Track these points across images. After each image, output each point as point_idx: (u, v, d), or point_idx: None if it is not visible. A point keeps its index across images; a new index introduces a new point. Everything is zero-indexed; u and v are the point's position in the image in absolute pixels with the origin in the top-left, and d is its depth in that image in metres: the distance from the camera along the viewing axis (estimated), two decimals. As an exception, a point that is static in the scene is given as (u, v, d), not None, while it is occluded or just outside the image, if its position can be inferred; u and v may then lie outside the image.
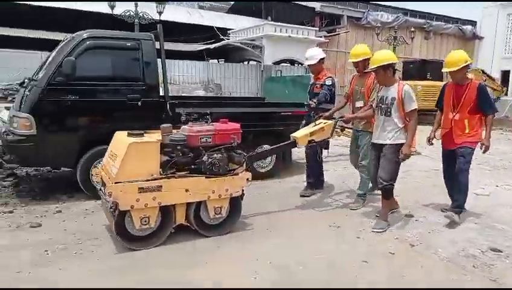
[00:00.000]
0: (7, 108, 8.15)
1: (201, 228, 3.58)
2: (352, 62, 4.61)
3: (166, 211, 3.41)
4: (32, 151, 4.32)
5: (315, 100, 4.84)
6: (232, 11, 27.64)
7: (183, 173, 3.48)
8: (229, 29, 24.05)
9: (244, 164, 3.73)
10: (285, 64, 21.57)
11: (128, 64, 4.82)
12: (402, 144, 3.79)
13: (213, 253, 3.30)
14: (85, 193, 4.58)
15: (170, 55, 5.20)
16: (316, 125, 4.38)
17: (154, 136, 3.49)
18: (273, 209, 4.48)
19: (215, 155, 3.55)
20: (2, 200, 4.46)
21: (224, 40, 21.69)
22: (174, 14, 20.86)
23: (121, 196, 3.14)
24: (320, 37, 23.76)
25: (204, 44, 22.01)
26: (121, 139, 3.47)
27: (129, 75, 4.82)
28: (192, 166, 3.55)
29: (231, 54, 23.54)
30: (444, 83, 5.09)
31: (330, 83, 4.89)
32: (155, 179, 3.28)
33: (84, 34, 4.64)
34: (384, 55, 3.86)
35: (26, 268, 2.93)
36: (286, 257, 3.23)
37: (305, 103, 5.10)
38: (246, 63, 23.47)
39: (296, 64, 21.36)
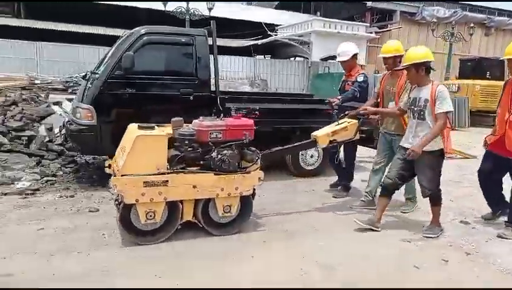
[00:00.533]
0: (69, 99, 8.73)
1: (209, 225, 3.47)
2: (383, 58, 4.38)
3: (173, 207, 3.33)
4: (92, 140, 4.59)
5: (339, 97, 4.69)
6: (280, 6, 27.56)
7: (191, 168, 3.37)
8: (277, 25, 24.01)
9: (258, 162, 3.56)
10: (333, 60, 21.17)
11: (182, 60, 4.98)
12: (441, 150, 3.57)
13: (259, 248, 3.34)
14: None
15: (218, 51, 5.28)
16: (339, 124, 4.18)
17: (165, 130, 3.43)
18: (319, 207, 4.44)
19: (225, 151, 3.40)
20: (64, 185, 4.78)
21: (271, 36, 21.68)
22: (223, 9, 21.17)
23: (126, 189, 3.10)
24: (371, 33, 23.08)
25: (251, 40, 22.14)
26: (131, 132, 3.40)
27: (183, 70, 4.98)
28: (201, 162, 3.42)
29: (278, 50, 23.51)
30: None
31: (362, 80, 4.67)
32: (161, 174, 3.20)
33: (142, 29, 4.84)
34: (419, 53, 3.56)
35: (86, 250, 3.13)
36: (333, 258, 3.19)
37: (326, 101, 4.80)
38: (292, 59, 23.33)
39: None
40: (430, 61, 3.56)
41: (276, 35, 22.28)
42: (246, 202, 3.58)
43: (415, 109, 3.61)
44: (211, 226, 3.48)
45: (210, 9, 17.44)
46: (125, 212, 3.20)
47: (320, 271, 2.97)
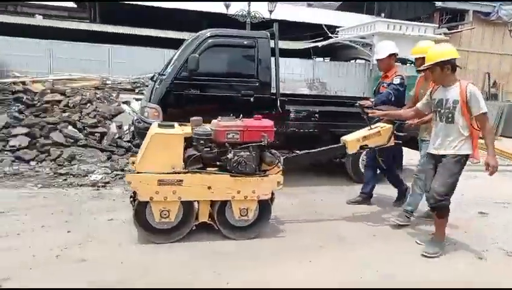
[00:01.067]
0: (137, 99, 9.28)
1: (225, 228, 3.39)
2: (415, 59, 4.10)
3: (188, 207, 3.31)
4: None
5: (373, 100, 4.41)
6: (342, 7, 27.03)
7: (206, 169, 3.33)
8: (338, 27, 23.55)
9: (279, 166, 3.44)
10: (397, 63, 20.29)
11: (244, 62, 5.09)
12: (467, 155, 3.27)
13: (317, 252, 3.29)
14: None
15: (280, 53, 5.30)
16: (371, 128, 3.94)
17: (184, 129, 3.43)
18: (375, 212, 4.29)
19: (242, 153, 3.30)
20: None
21: (332, 37, 21.33)
22: (284, 12, 21.20)
23: (140, 186, 3.11)
24: (440, 34, 21.81)
25: (312, 42, 21.95)
26: (150, 130, 3.38)
27: (244, 71, 5.08)
28: (218, 163, 3.35)
29: (338, 52, 23.04)
30: None
31: (398, 82, 4.35)
32: (176, 173, 3.17)
33: (208, 32, 5.01)
34: (442, 50, 3.28)
35: (149, 241, 3.30)
36: (392, 267, 3.06)
37: (356, 104, 4.35)
38: (353, 61, 22.76)
39: (408, 64, 19.99)
40: (455, 59, 3.27)
41: (336, 37, 21.89)
42: (264, 206, 3.46)
43: (442, 111, 3.30)
44: (227, 228, 3.40)
45: (271, 11, 17.60)
46: (140, 209, 3.22)
47: (379, 279, 2.86)
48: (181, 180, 3.17)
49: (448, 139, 3.27)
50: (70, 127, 6.32)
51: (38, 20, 20.69)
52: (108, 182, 4.88)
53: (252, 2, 16.74)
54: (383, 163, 4.35)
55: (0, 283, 2.55)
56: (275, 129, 3.50)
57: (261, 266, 2.99)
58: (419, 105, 3.60)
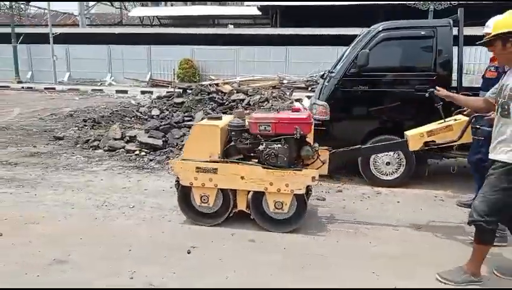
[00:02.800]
0: (308, 97, 9.70)
1: (260, 219, 3.48)
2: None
3: (227, 194, 3.48)
4: (324, 134, 4.93)
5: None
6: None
7: (239, 159, 3.47)
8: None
9: (318, 160, 3.41)
10: None
11: (419, 54, 4.71)
12: None
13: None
14: (364, 178, 4.86)
15: (466, 42, 4.65)
16: (445, 121, 3.38)
17: (227, 121, 3.56)
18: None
19: (274, 145, 3.31)
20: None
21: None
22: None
23: (181, 172, 3.44)
24: None
25: None
26: (195, 122, 3.58)
27: (419, 65, 4.71)
28: (252, 154, 3.46)
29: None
30: None
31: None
32: (212, 162, 3.39)
33: (380, 26, 4.83)
34: (505, 19, 2.50)
35: (312, 234, 3.44)
36: None
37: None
38: None
39: None
40: None
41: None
42: (300, 201, 3.40)
43: (500, 101, 2.54)
44: (263, 220, 3.48)
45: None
46: (183, 193, 3.56)
47: None
48: (216, 169, 3.38)
49: (501, 137, 2.50)
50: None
51: (230, 29, 23.79)
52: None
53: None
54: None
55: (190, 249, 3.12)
56: (311, 121, 3.42)
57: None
58: (489, 93, 2.89)
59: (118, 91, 18.42)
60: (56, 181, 4.88)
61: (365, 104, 4.82)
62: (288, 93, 10.65)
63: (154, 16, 31.63)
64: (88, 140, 6.95)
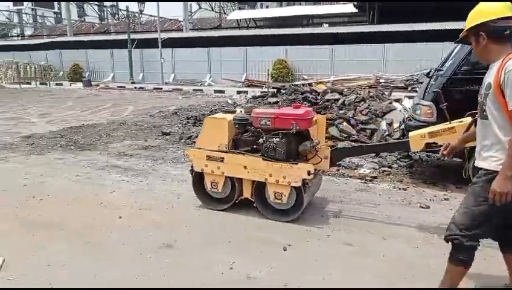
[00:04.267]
0: (409, 97, 9.12)
1: (262, 208, 3.75)
2: None
3: (234, 182, 3.80)
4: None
5: None
6: None
7: (245, 150, 3.74)
8: None
9: (315, 156, 3.62)
10: None
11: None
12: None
13: None
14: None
15: None
16: (449, 123, 3.30)
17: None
18: None
19: (273, 139, 3.54)
20: (398, 177, 5.09)
21: None
22: None
23: (194, 159, 3.90)
24: None
25: None
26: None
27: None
28: (255, 146, 3.74)
29: None
30: None
31: None
32: (220, 151, 3.77)
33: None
34: (476, 11, 2.19)
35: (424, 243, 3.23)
36: None
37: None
38: None
39: None
40: (498, 20, 2.07)
41: None
42: (298, 194, 3.57)
43: (479, 101, 2.25)
44: (265, 209, 3.74)
45: None
46: (196, 178, 4.00)
47: None
48: (222, 158, 3.73)
49: (483, 143, 2.21)
50: (345, 123, 6.94)
51: (325, 28, 23.49)
52: (375, 177, 5.07)
53: None
54: None
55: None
56: (309, 117, 3.53)
57: None
58: None
59: (216, 91, 19.51)
60: (164, 172, 5.36)
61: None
62: (387, 93, 10.13)
63: (250, 18, 32.72)
64: (191, 136, 7.50)
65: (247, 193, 3.82)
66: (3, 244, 3.23)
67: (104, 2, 38.46)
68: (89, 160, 6.04)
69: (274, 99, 10.55)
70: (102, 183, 4.92)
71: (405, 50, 18.31)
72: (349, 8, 26.06)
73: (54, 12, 53.83)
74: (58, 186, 4.77)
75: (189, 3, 31.87)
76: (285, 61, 20.64)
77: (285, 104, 9.99)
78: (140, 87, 22.42)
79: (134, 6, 29.12)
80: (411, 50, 18.20)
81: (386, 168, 5.38)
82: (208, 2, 33.66)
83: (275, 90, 12.15)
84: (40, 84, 25.22)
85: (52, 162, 5.91)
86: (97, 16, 42.82)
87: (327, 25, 24.97)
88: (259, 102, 11.02)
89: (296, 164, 3.49)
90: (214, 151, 3.81)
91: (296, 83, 16.28)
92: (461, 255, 2.23)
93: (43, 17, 50.78)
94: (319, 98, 10.39)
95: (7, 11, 45.17)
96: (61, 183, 4.92)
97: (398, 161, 5.68)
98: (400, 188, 4.66)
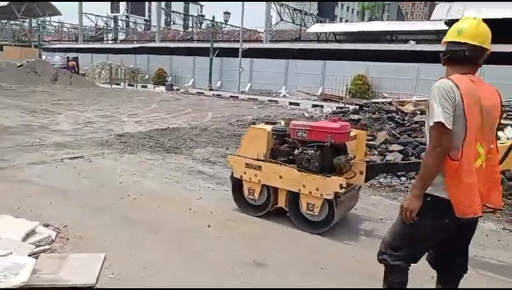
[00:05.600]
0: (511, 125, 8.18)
1: (295, 218, 3.82)
2: None
3: (269, 190, 3.93)
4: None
5: None
6: None
7: (282, 161, 3.82)
8: None
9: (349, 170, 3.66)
10: None
11: None
12: (434, 197, 2.03)
13: None
14: None
15: None
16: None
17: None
18: None
19: (308, 151, 3.59)
20: (506, 217, 4.52)
21: None
22: None
23: (234, 166, 4.09)
24: None
25: None
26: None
27: None
28: (291, 157, 3.80)
29: None
30: None
31: None
32: (258, 160, 3.92)
33: None
34: (448, 33, 2.16)
35: None
36: None
37: None
38: None
39: None
40: (454, 44, 2.09)
41: None
42: (330, 206, 3.60)
43: None
44: (297, 219, 3.81)
45: None
46: (236, 184, 4.17)
47: None
48: (260, 167, 3.88)
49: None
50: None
51: (411, 46, 22.38)
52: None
53: None
54: None
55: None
56: (345, 131, 3.59)
57: None
58: None
59: (290, 103, 19.47)
60: (247, 184, 5.34)
61: None
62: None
63: (330, 32, 32.38)
64: (271, 148, 7.45)
65: (281, 202, 3.95)
66: (103, 242, 3.38)
67: (189, 11, 40.60)
68: (176, 163, 6.26)
69: (356, 116, 10.17)
70: (190, 188, 5.03)
71: (506, 72, 16.71)
72: (439, 25, 24.57)
73: (145, 20, 58.46)
74: (149, 187, 4.97)
75: (270, 15, 32.43)
76: (365, 77, 20.00)
77: (367, 122, 9.59)
78: (217, 95, 23.16)
79: (219, 17, 30.23)
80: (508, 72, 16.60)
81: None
82: (289, 14, 33.94)
83: (357, 107, 11.75)
84: (128, 85, 27.24)
85: (143, 162, 6.21)
86: (181, 24, 45.54)
87: (414, 42, 23.79)
88: (339, 118, 10.70)
89: (329, 176, 3.54)
90: (253, 159, 3.98)
91: (376, 100, 15.63)
92: (391, 276, 2.21)
93: (135, 24, 55.27)
94: (406, 119, 9.81)
95: (106, 17, 49.78)
96: (152, 184, 5.12)
97: (504, 199, 5.06)
98: (510, 230, 4.12)
